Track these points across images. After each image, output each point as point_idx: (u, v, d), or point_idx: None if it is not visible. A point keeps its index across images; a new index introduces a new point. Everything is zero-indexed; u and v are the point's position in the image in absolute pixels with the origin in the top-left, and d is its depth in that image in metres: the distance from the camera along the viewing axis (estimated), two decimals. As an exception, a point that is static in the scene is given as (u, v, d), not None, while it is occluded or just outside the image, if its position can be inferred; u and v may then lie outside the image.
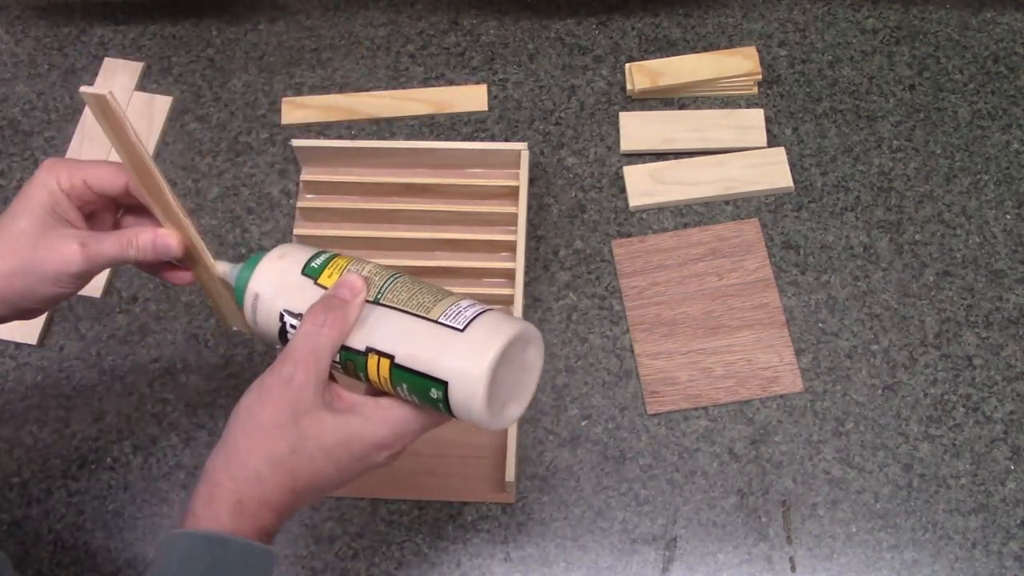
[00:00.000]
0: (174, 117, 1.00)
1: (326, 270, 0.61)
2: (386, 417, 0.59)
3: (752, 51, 0.97)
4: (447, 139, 0.97)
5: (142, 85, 1.01)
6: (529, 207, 0.92)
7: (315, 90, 1.00)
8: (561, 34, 1.02)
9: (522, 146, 0.91)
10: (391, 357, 0.58)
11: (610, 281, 0.90)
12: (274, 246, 0.64)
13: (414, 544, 0.82)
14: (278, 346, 0.63)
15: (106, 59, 1.02)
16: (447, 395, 0.57)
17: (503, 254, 0.90)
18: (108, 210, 0.68)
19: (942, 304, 0.88)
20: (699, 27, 1.01)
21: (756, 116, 0.96)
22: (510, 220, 0.90)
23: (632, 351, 0.87)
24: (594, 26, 1.02)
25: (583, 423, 0.85)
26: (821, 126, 0.96)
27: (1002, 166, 0.94)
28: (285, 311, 0.61)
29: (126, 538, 0.82)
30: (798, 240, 0.91)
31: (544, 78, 1.00)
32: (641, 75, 0.97)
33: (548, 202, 0.94)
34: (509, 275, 0.88)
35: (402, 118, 0.98)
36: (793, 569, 0.80)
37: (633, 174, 0.94)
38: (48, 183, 0.65)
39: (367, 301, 0.60)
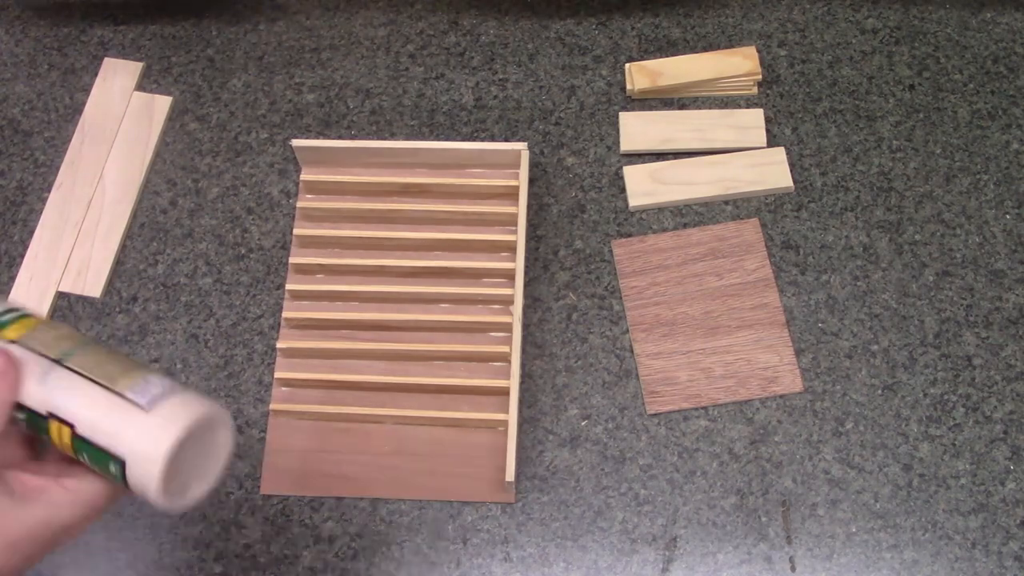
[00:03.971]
0: (174, 117, 1.00)
1: (10, 327, 0.58)
2: (74, 499, 0.56)
3: (752, 51, 0.97)
4: (447, 139, 0.97)
5: (142, 85, 1.01)
6: (529, 207, 0.92)
7: (315, 90, 1.00)
8: (561, 34, 1.02)
9: (522, 146, 0.91)
10: (71, 426, 0.56)
11: (610, 281, 0.90)
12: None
13: (414, 544, 0.82)
14: None
15: (106, 59, 1.02)
16: (124, 473, 0.55)
17: (503, 254, 0.90)
18: None
19: (942, 304, 0.88)
20: (699, 27, 1.01)
21: (756, 116, 0.96)
22: (510, 220, 0.90)
23: (632, 351, 0.87)
24: (594, 26, 1.02)
25: (583, 423, 0.85)
26: (821, 126, 0.96)
27: (1002, 166, 0.94)
28: None
29: (126, 538, 0.82)
30: (798, 240, 0.91)
31: (544, 78, 1.00)
32: (641, 75, 0.97)
33: (548, 202, 0.94)
34: (509, 275, 0.89)
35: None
36: (793, 569, 0.80)
37: (633, 174, 0.94)
38: None
39: (52, 359, 0.57)
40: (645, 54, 1.00)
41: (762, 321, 0.88)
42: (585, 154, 0.96)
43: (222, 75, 1.01)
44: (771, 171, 0.93)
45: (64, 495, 0.56)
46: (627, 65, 0.98)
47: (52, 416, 0.56)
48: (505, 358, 0.86)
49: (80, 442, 0.56)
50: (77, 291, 0.91)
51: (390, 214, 0.92)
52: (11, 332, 0.58)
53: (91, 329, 0.90)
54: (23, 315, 0.60)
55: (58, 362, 0.57)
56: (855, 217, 0.92)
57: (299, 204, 0.93)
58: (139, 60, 1.02)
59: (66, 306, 0.91)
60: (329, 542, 0.82)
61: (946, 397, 0.85)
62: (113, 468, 0.55)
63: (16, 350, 0.58)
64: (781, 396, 0.85)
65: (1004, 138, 0.95)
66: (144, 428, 0.55)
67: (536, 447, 0.84)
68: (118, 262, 0.93)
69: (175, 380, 0.58)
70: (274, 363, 0.88)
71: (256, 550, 0.82)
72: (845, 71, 0.98)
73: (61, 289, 0.91)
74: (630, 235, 0.92)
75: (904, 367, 0.86)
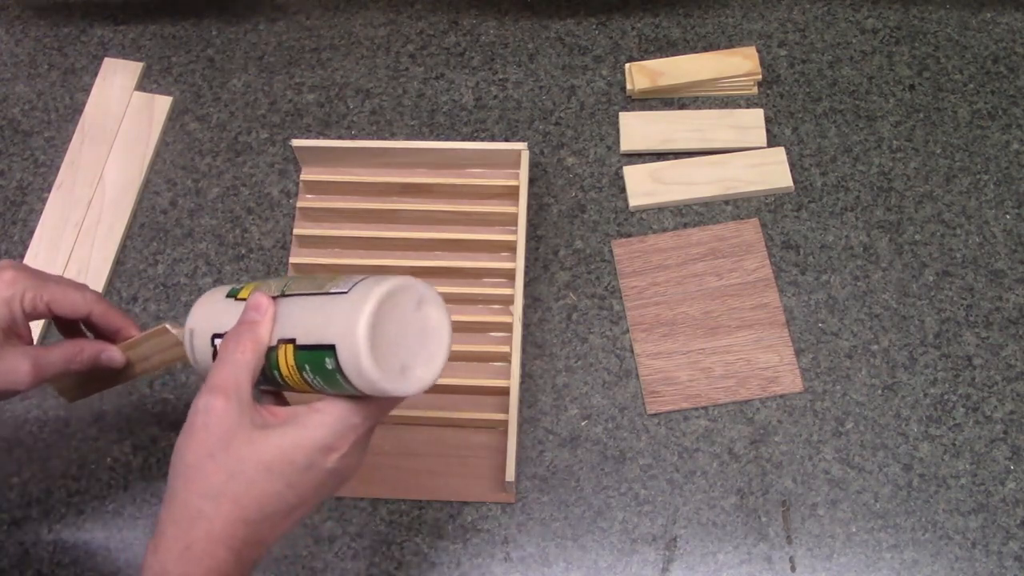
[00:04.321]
0: (174, 117, 1.00)
1: (245, 287, 0.61)
2: (322, 419, 0.56)
3: (752, 51, 0.97)
4: (447, 139, 0.97)
5: (142, 85, 1.01)
6: (529, 207, 0.92)
7: (315, 90, 1.00)
8: (561, 34, 1.02)
9: (522, 146, 0.91)
10: (292, 341, 0.56)
11: (610, 281, 0.90)
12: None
13: (414, 544, 0.82)
14: None
15: (106, 59, 1.02)
16: (338, 361, 0.54)
17: (503, 254, 0.90)
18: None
19: (942, 304, 0.88)
20: (699, 27, 1.01)
21: (756, 116, 0.96)
22: (510, 220, 0.90)
23: (632, 351, 0.87)
24: (594, 26, 1.02)
25: (583, 423, 0.85)
26: (821, 126, 0.96)
27: (1002, 166, 0.94)
28: (214, 335, 0.60)
29: (126, 538, 0.82)
30: (798, 240, 0.91)
31: (544, 78, 1.00)
32: (641, 75, 0.97)
33: (548, 202, 0.94)
34: (509, 275, 0.89)
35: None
36: (793, 569, 0.80)
37: (633, 174, 0.94)
38: (11, 302, 0.65)
39: (274, 297, 0.58)
40: (645, 54, 1.00)
41: (762, 321, 0.88)
42: (585, 154, 0.96)
43: (222, 75, 1.02)
44: (771, 171, 0.93)
45: (313, 416, 0.56)
46: (627, 65, 0.98)
47: (280, 343, 0.56)
48: (505, 358, 0.86)
49: (301, 352, 0.55)
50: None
51: (390, 214, 0.92)
52: (244, 292, 0.61)
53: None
54: (248, 282, 0.63)
55: (280, 295, 0.58)
56: (855, 217, 0.92)
57: (299, 204, 0.93)
58: (139, 60, 1.02)
59: (66, 306, 0.91)
60: (329, 542, 0.82)
61: (946, 397, 0.85)
62: (329, 363, 0.54)
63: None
64: (781, 396, 0.85)
65: (1004, 138, 0.95)
66: (343, 308, 0.54)
67: (536, 447, 0.84)
68: (118, 262, 0.93)
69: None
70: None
71: (256, 550, 0.82)
72: (845, 71, 0.98)
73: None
74: (630, 235, 0.92)
75: (904, 367, 0.86)
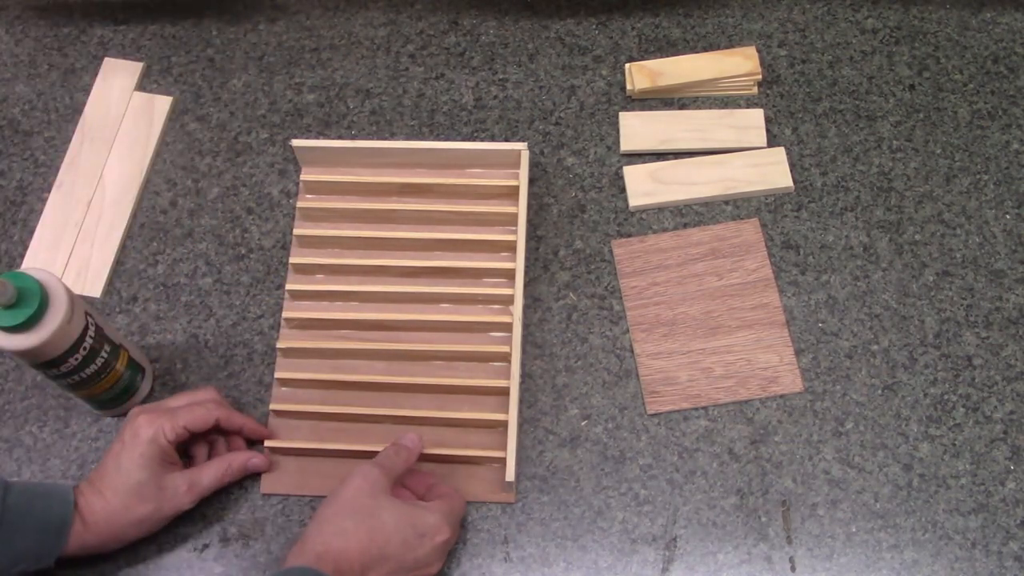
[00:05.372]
0: (174, 117, 1.00)
1: None
2: (437, 506, 0.76)
3: (752, 51, 0.97)
4: (447, 139, 0.97)
5: (142, 85, 1.01)
6: (529, 207, 0.92)
7: (315, 90, 1.00)
8: (561, 34, 1.02)
9: (522, 146, 0.91)
10: None
11: (610, 281, 0.90)
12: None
13: (414, 544, 0.81)
14: None
15: (106, 59, 1.01)
16: None
17: (503, 254, 0.90)
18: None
19: (942, 304, 0.88)
20: (699, 27, 1.01)
21: (756, 116, 0.96)
22: (510, 220, 0.90)
23: (632, 351, 0.87)
24: (594, 26, 1.02)
25: (583, 423, 0.85)
26: (821, 126, 0.96)
27: (1002, 166, 0.94)
28: None
29: (126, 538, 0.82)
30: (798, 240, 0.91)
31: (544, 78, 1.00)
32: (641, 75, 0.97)
33: (548, 202, 0.94)
34: (509, 275, 0.88)
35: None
36: (793, 569, 0.80)
37: (633, 174, 0.94)
38: (156, 438, 0.77)
39: None
40: (645, 54, 1.00)
41: (762, 321, 0.88)
42: (585, 154, 0.96)
43: (222, 75, 1.01)
44: (771, 171, 0.93)
45: (432, 503, 0.78)
46: (627, 65, 0.98)
47: None
48: (505, 358, 0.86)
49: None
50: (77, 291, 0.91)
51: (390, 214, 0.92)
52: None
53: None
54: None
55: None
56: (855, 217, 0.92)
57: (299, 204, 0.93)
58: (139, 60, 1.02)
59: (66, 306, 0.91)
60: (329, 542, 0.82)
61: (946, 397, 0.85)
62: None
63: None
64: (781, 396, 0.85)
65: (1004, 138, 0.95)
66: None
67: (536, 447, 0.84)
68: (118, 262, 0.93)
69: None
70: (274, 363, 0.88)
71: (256, 550, 0.82)
72: (845, 71, 0.98)
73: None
74: (630, 235, 0.92)
75: (904, 367, 0.86)
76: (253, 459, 0.82)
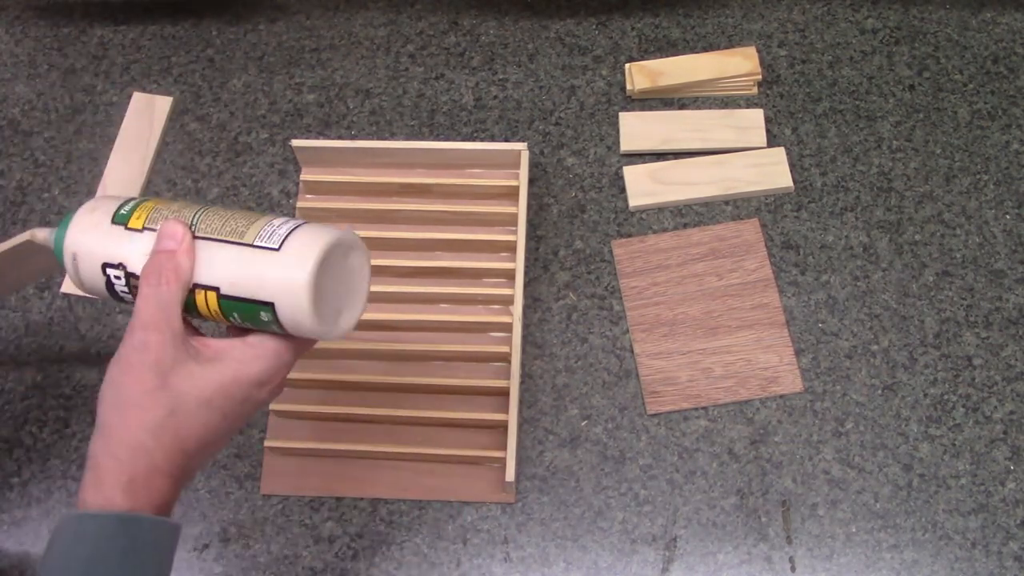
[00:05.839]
0: (174, 117, 1.00)
1: (134, 214, 0.61)
2: (257, 354, 0.58)
3: (752, 51, 0.97)
4: (447, 139, 0.97)
5: (142, 85, 1.01)
6: (529, 207, 0.92)
7: (315, 90, 1.00)
8: (561, 34, 1.02)
9: (522, 146, 0.91)
10: (216, 289, 0.58)
11: (610, 281, 0.90)
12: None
13: (414, 544, 0.82)
14: (109, 299, 0.63)
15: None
16: (276, 315, 0.57)
17: (503, 254, 0.90)
18: None
19: (942, 304, 0.88)
20: (699, 27, 1.01)
21: (756, 116, 0.96)
22: (510, 220, 0.90)
23: (632, 351, 0.87)
24: (594, 26, 1.02)
25: (583, 423, 0.85)
26: (821, 126, 0.96)
27: (1002, 166, 0.94)
28: (105, 264, 0.61)
29: (126, 538, 0.82)
30: (798, 240, 0.91)
31: (544, 78, 1.00)
32: (641, 75, 0.97)
33: (548, 202, 0.94)
34: (509, 275, 0.88)
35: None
36: (793, 569, 0.80)
37: (633, 174, 0.94)
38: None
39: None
40: (645, 54, 1.00)
41: (762, 321, 0.88)
42: (585, 154, 0.96)
43: (222, 75, 1.01)
44: (771, 171, 0.93)
45: (248, 350, 0.58)
46: (627, 65, 0.98)
47: (196, 286, 0.58)
48: (505, 358, 0.86)
49: (227, 302, 0.58)
50: (78, 291, 0.91)
51: (390, 214, 0.92)
52: (135, 221, 0.60)
53: (92, 329, 0.90)
54: (140, 201, 0.62)
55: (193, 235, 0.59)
56: (855, 217, 0.92)
57: (299, 204, 0.93)
58: (139, 61, 1.02)
59: (66, 306, 0.91)
60: (329, 542, 0.82)
61: (946, 397, 0.85)
62: (264, 315, 0.57)
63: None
64: (781, 396, 0.85)
65: (1004, 138, 0.95)
66: (280, 268, 0.57)
67: (536, 447, 0.84)
68: (118, 262, 0.93)
69: (298, 219, 0.60)
70: (274, 363, 0.88)
71: (256, 550, 0.82)
72: (845, 71, 0.98)
73: (63, 290, 0.91)
74: (630, 235, 0.92)
75: (904, 367, 0.86)
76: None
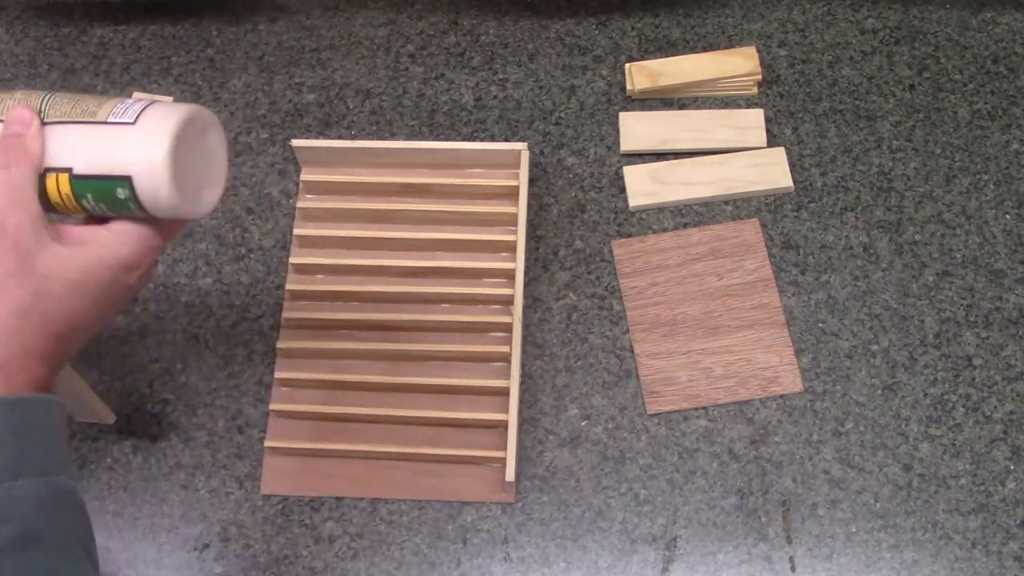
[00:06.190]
0: (174, 117, 1.00)
1: None
2: (123, 239, 0.58)
3: (752, 51, 0.97)
4: (447, 139, 0.97)
5: (142, 85, 1.01)
6: (529, 207, 0.92)
7: (315, 90, 1.00)
8: (561, 34, 1.02)
9: (522, 146, 0.91)
10: (68, 170, 0.56)
11: (610, 281, 0.90)
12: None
13: (414, 544, 0.82)
14: None
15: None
16: (134, 191, 0.55)
17: (503, 254, 0.90)
18: None
19: (942, 304, 0.88)
20: (699, 27, 1.01)
21: (756, 116, 0.96)
22: (510, 220, 0.90)
23: (632, 351, 0.87)
24: (594, 26, 1.02)
25: (583, 423, 0.85)
26: (821, 126, 0.96)
27: (1002, 166, 0.94)
28: None
29: (126, 538, 0.82)
30: (798, 240, 0.91)
31: (544, 78, 1.00)
32: (641, 75, 0.97)
33: (548, 202, 0.94)
34: (509, 275, 0.88)
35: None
36: (793, 569, 0.80)
37: (633, 174, 0.94)
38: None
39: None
40: (645, 54, 1.00)
41: (762, 321, 0.88)
42: (585, 154, 0.96)
43: (222, 75, 1.01)
44: (771, 171, 0.93)
45: (111, 236, 0.57)
46: (627, 65, 0.98)
47: (47, 171, 0.56)
48: (505, 358, 0.86)
49: (80, 182, 0.56)
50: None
51: (390, 214, 0.92)
52: None
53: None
54: None
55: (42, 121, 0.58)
56: (855, 217, 0.92)
57: (299, 204, 0.93)
58: (139, 61, 1.02)
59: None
60: (329, 542, 0.82)
61: (946, 397, 0.85)
62: (121, 192, 0.55)
63: None
64: (781, 396, 0.85)
65: (1004, 138, 0.95)
66: (139, 139, 0.55)
67: (536, 447, 0.84)
68: (118, 262, 0.93)
69: (152, 96, 0.59)
70: (274, 363, 0.88)
71: (256, 550, 0.82)
72: (845, 71, 0.98)
73: None
74: (630, 235, 0.92)
75: (904, 367, 0.86)
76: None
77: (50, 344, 0.56)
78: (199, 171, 0.58)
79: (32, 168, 0.56)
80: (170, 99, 0.59)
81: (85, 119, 0.57)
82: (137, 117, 0.56)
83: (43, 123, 0.57)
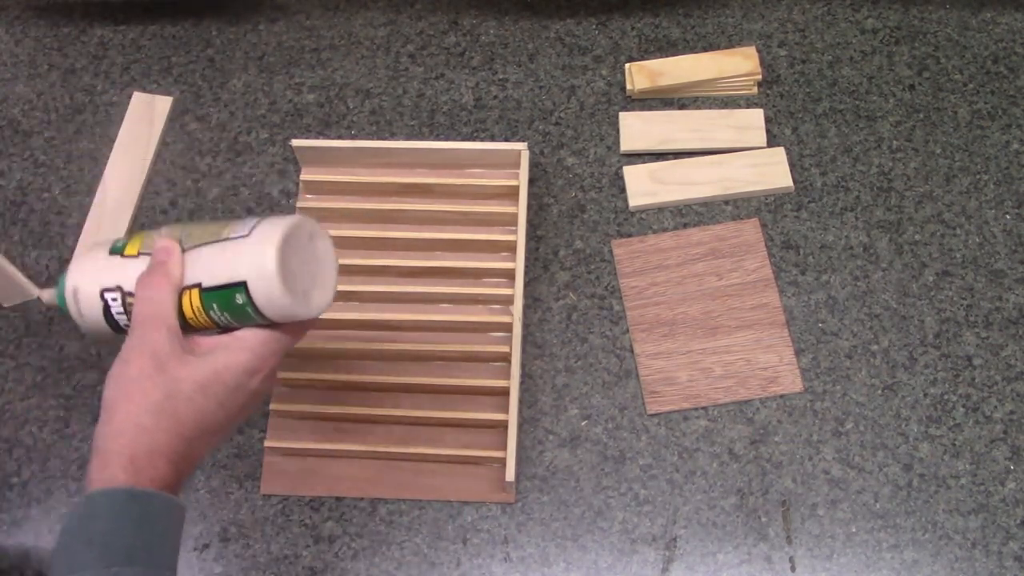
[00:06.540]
0: (174, 117, 1.00)
1: (129, 243, 0.65)
2: (245, 345, 0.62)
3: (752, 51, 0.97)
4: (447, 139, 0.97)
5: (142, 85, 1.01)
6: (529, 207, 0.92)
7: (315, 90, 1.00)
8: (561, 34, 1.02)
9: (522, 146, 0.91)
10: (198, 285, 0.62)
11: (610, 281, 0.90)
12: None
13: (414, 544, 0.82)
14: (108, 332, 0.66)
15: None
16: (250, 295, 0.60)
17: (503, 254, 0.90)
18: None
19: (942, 304, 0.88)
20: (699, 27, 1.01)
21: (756, 116, 0.96)
22: (510, 220, 0.90)
23: (632, 351, 0.87)
24: (594, 26, 1.02)
25: (583, 423, 0.85)
26: (821, 126, 0.96)
27: (1002, 166, 0.94)
28: (103, 290, 0.65)
29: (126, 538, 0.82)
30: (798, 240, 0.91)
31: (544, 78, 1.00)
32: (641, 75, 0.97)
33: (548, 202, 0.94)
34: (509, 275, 0.88)
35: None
36: (793, 569, 0.80)
37: (633, 174, 0.94)
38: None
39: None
40: (645, 54, 1.00)
41: (762, 321, 0.88)
42: (585, 154, 0.96)
43: (222, 75, 1.02)
44: (771, 171, 0.93)
45: (235, 341, 0.62)
46: (627, 65, 0.98)
47: (184, 290, 0.62)
48: (505, 358, 0.86)
49: (207, 294, 0.62)
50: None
51: (390, 214, 0.92)
52: (130, 248, 0.65)
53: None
54: (135, 232, 0.67)
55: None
56: (855, 217, 0.92)
57: (299, 204, 0.93)
58: (139, 61, 1.02)
59: (66, 306, 0.91)
60: (329, 542, 0.82)
61: (946, 397, 0.85)
62: (239, 298, 0.61)
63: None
64: (781, 396, 0.85)
65: (1004, 138, 0.95)
66: (250, 248, 0.61)
67: (536, 447, 0.84)
68: (118, 262, 0.93)
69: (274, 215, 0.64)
70: (274, 363, 0.88)
71: (256, 550, 0.82)
72: (845, 71, 0.98)
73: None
74: (630, 235, 0.92)
75: (904, 367, 0.86)
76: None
77: (179, 445, 0.60)
78: (308, 275, 0.63)
79: (172, 288, 0.62)
80: (294, 217, 0.64)
81: (212, 239, 0.63)
82: (251, 230, 0.62)
83: (183, 250, 0.64)
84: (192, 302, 0.62)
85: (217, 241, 0.63)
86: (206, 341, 0.63)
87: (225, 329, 0.63)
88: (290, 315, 0.62)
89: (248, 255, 0.61)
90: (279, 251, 0.60)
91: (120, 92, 1.01)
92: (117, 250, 0.66)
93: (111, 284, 0.64)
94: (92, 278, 0.65)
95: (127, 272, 0.64)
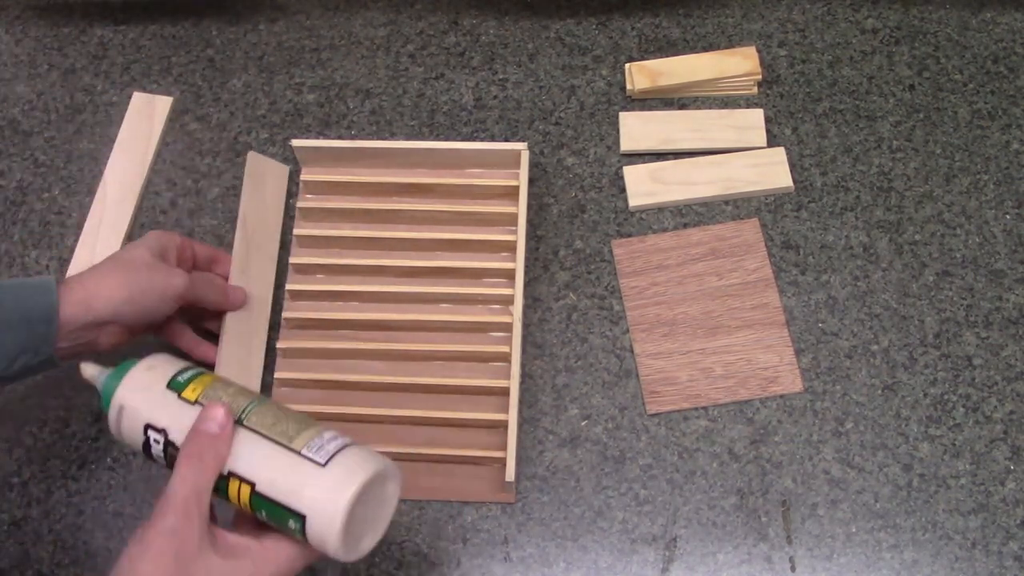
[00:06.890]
0: (174, 117, 1.00)
1: (191, 385, 0.63)
2: (272, 558, 0.61)
3: (752, 51, 0.97)
4: (447, 139, 0.97)
5: (142, 85, 1.01)
6: (529, 207, 0.92)
7: (315, 90, 1.00)
8: (561, 34, 1.02)
9: (522, 146, 0.91)
10: (252, 484, 0.60)
11: (610, 281, 0.90)
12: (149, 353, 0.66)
13: (414, 544, 0.82)
14: (139, 453, 0.65)
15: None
16: (305, 528, 0.59)
17: (503, 254, 0.90)
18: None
19: (942, 304, 0.88)
20: (699, 27, 1.01)
21: (756, 116, 0.96)
22: (510, 220, 0.90)
23: (632, 351, 0.87)
24: (594, 26, 1.02)
25: (583, 423, 0.85)
26: (821, 126, 0.96)
27: (1002, 166, 0.94)
28: (148, 425, 0.62)
29: (126, 538, 0.82)
30: (798, 240, 0.91)
31: (544, 78, 1.00)
32: (641, 75, 0.97)
33: (548, 202, 0.94)
34: (509, 275, 0.88)
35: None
36: (793, 569, 0.80)
37: (633, 174, 0.94)
38: (162, 238, 0.78)
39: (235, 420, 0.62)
40: (645, 54, 1.00)
41: (762, 321, 0.88)
42: (585, 154, 0.96)
43: (222, 75, 1.02)
44: (771, 171, 0.93)
45: (264, 552, 0.61)
46: (627, 65, 0.98)
47: (232, 475, 0.60)
48: (505, 358, 0.86)
49: (259, 499, 0.59)
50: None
51: (390, 214, 0.92)
52: (190, 392, 0.62)
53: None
54: (199, 372, 0.64)
55: (237, 421, 0.61)
56: (855, 217, 0.92)
57: (299, 204, 0.93)
58: (139, 61, 1.02)
59: (66, 306, 0.91)
60: (329, 542, 0.82)
61: (946, 397, 0.85)
62: (293, 523, 0.58)
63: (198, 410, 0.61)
64: (781, 396, 0.85)
65: (1004, 138, 0.95)
66: (323, 485, 0.58)
67: (536, 447, 0.84)
68: (118, 262, 0.93)
69: (347, 436, 0.61)
70: (274, 363, 0.88)
71: (256, 550, 0.82)
72: (845, 71, 0.98)
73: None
74: (630, 235, 0.92)
75: (904, 367, 0.86)
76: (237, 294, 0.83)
77: None
78: (367, 519, 0.61)
79: (216, 473, 0.60)
80: (367, 451, 0.61)
81: (281, 441, 0.60)
82: (329, 460, 0.59)
83: (241, 422, 0.61)
84: (241, 495, 0.60)
85: (284, 446, 0.59)
86: (233, 540, 0.61)
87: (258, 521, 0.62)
88: (334, 557, 0.60)
89: (318, 492, 0.58)
90: (352, 504, 0.58)
91: (120, 92, 1.01)
92: (177, 386, 0.63)
93: (158, 424, 0.62)
94: (142, 407, 0.63)
95: (180, 420, 0.62)
